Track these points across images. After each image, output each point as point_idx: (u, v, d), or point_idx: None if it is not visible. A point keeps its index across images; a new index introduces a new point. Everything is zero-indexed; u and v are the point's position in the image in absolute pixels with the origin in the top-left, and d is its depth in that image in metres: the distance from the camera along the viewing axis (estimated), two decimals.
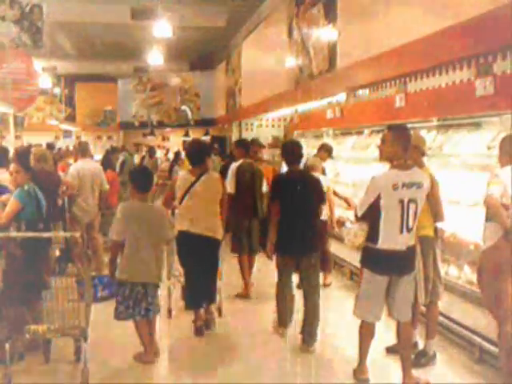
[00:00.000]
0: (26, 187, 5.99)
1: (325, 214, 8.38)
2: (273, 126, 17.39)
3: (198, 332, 6.64)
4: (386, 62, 8.05)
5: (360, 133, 9.96)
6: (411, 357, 5.40)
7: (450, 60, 6.64)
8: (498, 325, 4.94)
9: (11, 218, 5.82)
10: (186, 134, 25.63)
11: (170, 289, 7.25)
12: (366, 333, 5.31)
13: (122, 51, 22.27)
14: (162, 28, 14.94)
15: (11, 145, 12.62)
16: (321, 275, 8.58)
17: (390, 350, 5.94)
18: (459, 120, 6.87)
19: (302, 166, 7.34)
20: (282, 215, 6.37)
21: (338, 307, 8.10)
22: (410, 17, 7.45)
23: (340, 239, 8.98)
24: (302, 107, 12.79)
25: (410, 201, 4.97)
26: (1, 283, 5.34)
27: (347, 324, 6.28)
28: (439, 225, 5.77)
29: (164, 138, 28.65)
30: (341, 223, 8.68)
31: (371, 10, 8.72)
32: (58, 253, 8.71)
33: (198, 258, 6.52)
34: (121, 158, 15.77)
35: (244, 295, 8.28)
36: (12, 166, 6.20)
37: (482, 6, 5.70)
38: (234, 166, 8.52)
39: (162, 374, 6.05)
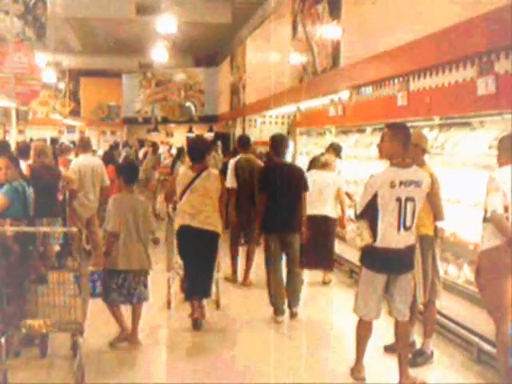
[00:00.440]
0: (14, 184, 5.95)
1: (335, 213, 8.44)
2: (276, 123, 17.33)
3: (196, 326, 6.79)
4: (389, 60, 8.03)
5: (362, 131, 9.94)
6: (408, 356, 5.39)
7: (452, 59, 6.61)
8: (496, 324, 4.92)
9: None
10: (190, 131, 25.62)
11: (169, 281, 7.46)
12: (363, 331, 5.30)
13: (126, 46, 22.29)
14: (167, 24, 14.93)
15: (13, 139, 12.61)
16: (321, 273, 8.73)
17: (388, 349, 5.94)
18: (461, 119, 6.84)
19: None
20: (270, 201, 7.12)
21: (337, 305, 8.09)
22: (414, 15, 7.40)
23: (343, 238, 9.00)
24: (305, 104, 12.76)
25: (407, 199, 4.94)
26: None
27: (345, 322, 6.27)
28: (439, 224, 5.75)
29: (168, 134, 28.63)
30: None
31: (375, 8, 8.69)
32: (57, 248, 8.78)
33: (198, 251, 6.75)
34: (123, 153, 15.83)
35: (231, 280, 8.88)
36: (1, 161, 6.13)
37: (485, 5, 5.67)
38: (232, 161, 9.00)
39: (158, 360, 6.21)
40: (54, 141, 19.81)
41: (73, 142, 15.34)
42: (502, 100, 5.57)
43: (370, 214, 5.05)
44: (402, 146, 5.01)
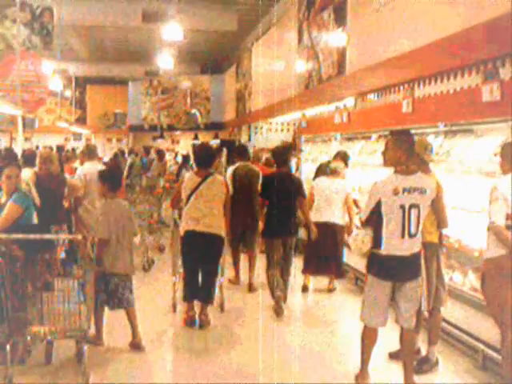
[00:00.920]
0: (23, 191, 6.00)
1: (343, 220, 8.45)
2: (282, 130, 17.35)
3: (188, 322, 7.00)
4: (394, 68, 8.04)
5: (368, 137, 9.93)
6: (413, 363, 5.37)
7: (457, 65, 6.61)
8: (502, 332, 4.91)
9: (10, 224, 5.83)
10: (196, 138, 25.65)
11: (174, 285, 7.55)
12: (368, 338, 5.28)
13: (133, 54, 22.38)
14: (173, 31, 14.99)
15: (20, 147, 12.64)
16: (326, 280, 8.73)
17: (393, 356, 5.91)
18: (466, 126, 6.83)
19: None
20: (270, 208, 7.76)
21: (342, 312, 8.08)
22: (419, 22, 7.41)
23: (348, 245, 8.99)
24: (311, 112, 12.77)
25: (411, 206, 4.94)
26: None
27: (350, 329, 6.26)
28: (444, 231, 5.75)
29: (173, 142, 28.69)
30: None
31: (380, 15, 8.70)
32: (63, 255, 8.79)
33: (202, 255, 6.94)
34: (129, 160, 15.84)
35: (234, 282, 9.04)
36: (11, 170, 6.15)
37: (489, 12, 5.68)
38: (230, 169, 9.30)
39: (162, 363, 6.25)
40: (60, 148, 19.87)
41: (73, 150, 15.41)
42: (507, 106, 5.55)
43: (374, 221, 5.05)
44: (405, 153, 5.01)
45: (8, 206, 5.97)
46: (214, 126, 25.37)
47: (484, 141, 6.58)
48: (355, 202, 8.72)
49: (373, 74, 8.85)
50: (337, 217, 8.45)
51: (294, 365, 6.02)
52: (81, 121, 28.01)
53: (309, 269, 8.72)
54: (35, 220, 6.26)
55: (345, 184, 8.58)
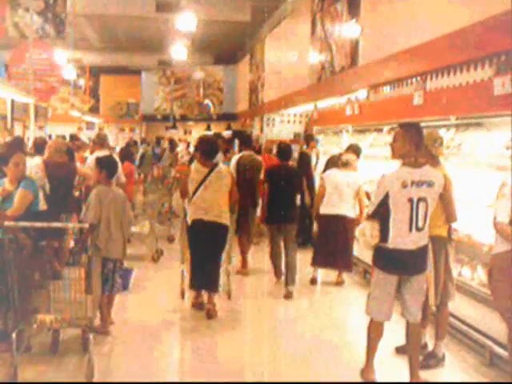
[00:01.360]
0: (31, 178, 6.00)
1: (354, 213, 8.42)
2: (294, 121, 17.28)
3: (197, 307, 7.29)
4: (407, 60, 7.99)
5: (379, 130, 9.87)
6: (419, 358, 5.33)
7: (470, 58, 6.56)
8: (508, 327, 4.86)
9: (23, 210, 5.85)
10: (208, 128, 25.61)
11: (183, 273, 7.66)
12: (374, 332, 5.24)
13: (146, 44, 22.34)
14: (186, 21, 14.97)
15: (32, 135, 12.66)
16: (335, 273, 8.70)
17: (400, 351, 5.85)
18: (478, 119, 6.76)
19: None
20: (271, 197, 8.40)
21: (350, 305, 8.05)
22: (432, 14, 7.36)
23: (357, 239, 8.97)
24: (323, 103, 12.72)
25: (419, 199, 4.89)
26: None
27: (357, 323, 6.23)
28: (453, 225, 5.69)
29: (186, 132, 28.67)
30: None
31: (394, 7, 8.64)
32: (72, 243, 8.82)
33: (209, 243, 7.12)
34: (140, 150, 15.84)
35: (242, 272, 9.22)
36: (18, 157, 6.16)
37: (503, 5, 5.61)
38: (234, 158, 9.61)
39: (168, 346, 6.56)
40: (73, 137, 19.87)
41: (89, 139, 15.41)
42: None
43: (381, 214, 5.01)
44: (413, 145, 4.96)
45: (19, 192, 5.97)
46: (227, 117, 25.34)
47: (495, 134, 6.51)
48: (367, 195, 8.67)
49: (385, 66, 8.80)
50: (347, 209, 8.41)
51: (297, 357, 6.03)
52: (94, 110, 28.03)
53: (318, 261, 8.70)
54: (43, 207, 6.27)
55: (356, 176, 8.53)
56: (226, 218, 7.20)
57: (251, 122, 21.04)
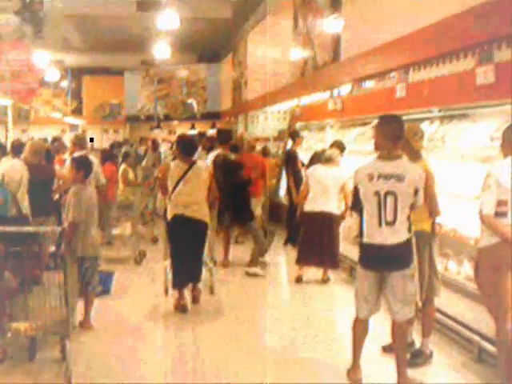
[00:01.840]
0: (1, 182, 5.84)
1: (338, 208, 8.31)
2: (278, 119, 17.14)
3: (180, 309, 7.23)
4: (389, 53, 7.88)
5: (364, 124, 9.77)
6: (406, 357, 5.20)
7: (453, 49, 6.45)
8: (496, 323, 4.74)
9: None
10: (193, 128, 25.43)
11: (166, 269, 7.71)
12: (358, 330, 5.12)
13: (128, 43, 22.07)
14: (168, 19, 14.76)
15: (10, 137, 12.48)
16: (320, 271, 8.58)
17: (387, 349, 5.72)
18: (461, 110, 6.67)
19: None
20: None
21: (334, 304, 7.94)
22: (414, 6, 7.25)
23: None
24: (307, 99, 12.60)
25: (387, 193, 4.76)
26: None
27: (342, 321, 6.11)
28: (438, 219, 5.57)
29: (171, 132, 28.43)
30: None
31: (375, 0, 8.54)
32: (53, 248, 8.63)
33: (188, 239, 7.24)
34: (123, 151, 15.62)
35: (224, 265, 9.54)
36: None
37: None
38: (210, 156, 9.78)
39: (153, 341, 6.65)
40: (55, 140, 19.63)
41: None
42: (502, 89, 5.39)
43: (358, 208, 4.92)
44: (387, 138, 4.85)
45: None
46: (211, 116, 25.18)
47: (480, 126, 6.43)
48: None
49: (367, 60, 8.68)
50: (332, 206, 8.31)
51: (279, 355, 5.90)
52: (77, 112, 27.79)
53: (303, 259, 8.59)
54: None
55: (340, 172, 8.43)
56: (204, 214, 7.37)
57: (235, 120, 20.91)
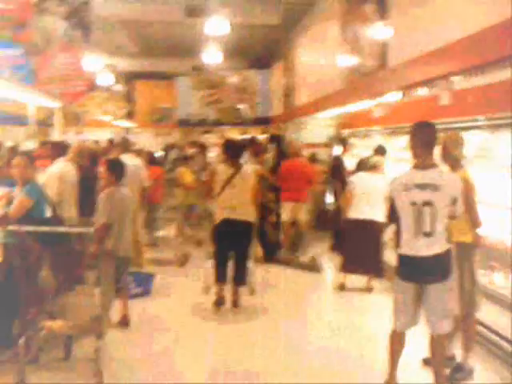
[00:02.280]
0: (36, 184, 5.88)
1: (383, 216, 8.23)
2: (327, 125, 17.02)
3: (218, 302, 7.53)
4: (436, 60, 7.73)
5: None
6: (444, 371, 5.05)
7: (500, 56, 6.27)
8: None
9: (21, 215, 5.69)
10: (244, 133, 25.49)
11: (207, 269, 7.96)
12: (395, 342, 5.01)
13: (180, 49, 22.27)
14: (216, 25, 14.83)
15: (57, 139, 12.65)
16: (365, 279, 8.47)
17: (428, 362, 5.57)
18: (508, 119, 6.47)
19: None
20: None
21: (376, 313, 7.81)
22: (462, 13, 7.11)
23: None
24: (354, 106, 12.48)
25: (425, 203, 4.64)
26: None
27: (384, 330, 5.98)
28: (481, 230, 5.40)
29: (222, 137, 28.55)
30: None
31: (423, 7, 8.40)
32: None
33: (235, 241, 7.50)
34: (172, 154, 15.73)
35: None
36: (19, 160, 6.05)
37: None
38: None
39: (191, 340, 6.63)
40: (110, 141, 19.88)
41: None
42: None
43: (395, 219, 4.80)
44: (420, 146, 4.75)
45: (19, 198, 5.87)
46: (262, 121, 25.24)
47: None
48: None
49: (414, 67, 8.55)
50: (377, 214, 8.17)
51: (317, 363, 5.85)
52: (129, 115, 28.13)
53: (347, 267, 8.50)
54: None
55: (386, 180, 8.30)
56: (250, 216, 7.58)
57: (285, 126, 20.87)
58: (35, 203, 5.81)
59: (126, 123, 27.24)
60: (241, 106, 25.68)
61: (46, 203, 6.00)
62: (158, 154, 18.77)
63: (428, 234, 4.68)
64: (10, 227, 5.01)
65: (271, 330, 6.88)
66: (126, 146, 9.43)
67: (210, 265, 7.87)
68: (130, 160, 9.20)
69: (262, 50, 23.10)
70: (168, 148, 20.05)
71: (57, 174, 7.37)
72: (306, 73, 17.13)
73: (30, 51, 11.78)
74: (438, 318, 4.83)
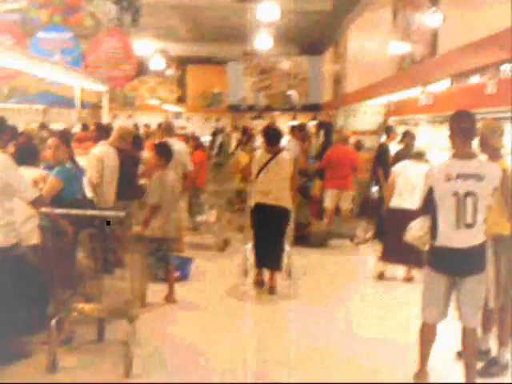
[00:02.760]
0: (67, 165, 5.94)
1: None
2: (377, 112, 16.84)
3: (258, 284, 7.76)
4: (486, 48, 7.56)
5: None
6: (476, 364, 4.95)
7: None
8: None
9: (51, 197, 5.73)
10: (294, 119, 25.42)
11: (246, 252, 8.15)
12: (425, 335, 4.92)
13: (231, 34, 22.27)
14: (267, 11, 14.79)
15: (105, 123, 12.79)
16: (404, 269, 8.38)
17: (461, 356, 5.48)
18: None
19: None
20: None
21: (416, 304, 7.71)
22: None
23: None
24: (403, 94, 12.32)
25: (467, 194, 4.53)
26: None
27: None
28: None
29: (272, 123, 28.53)
30: None
31: None
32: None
33: (270, 225, 7.56)
34: (219, 139, 15.81)
35: None
36: (51, 141, 6.13)
37: None
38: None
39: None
40: (160, 125, 20.01)
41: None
42: None
43: (430, 209, 4.70)
44: (460, 135, 4.62)
45: (49, 180, 5.93)
46: (312, 108, 25.14)
47: None
48: None
49: (464, 55, 8.38)
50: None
51: (348, 354, 5.80)
52: (181, 100, 28.29)
53: (387, 256, 8.41)
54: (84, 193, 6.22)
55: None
56: (286, 201, 7.58)
57: (336, 113, 20.73)
58: (65, 185, 5.85)
59: (177, 108, 27.39)
60: (291, 92, 25.63)
61: (77, 185, 6.03)
62: (206, 138, 18.85)
63: (469, 226, 4.58)
64: (43, 209, 5.06)
65: (307, 316, 6.88)
66: (170, 130, 9.46)
67: (249, 249, 7.99)
68: (173, 144, 9.27)
69: (313, 36, 22.94)
70: (216, 133, 20.16)
71: (97, 157, 7.45)
72: (357, 60, 16.98)
73: (80, 35, 11.98)
74: (473, 310, 4.75)
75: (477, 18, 8.04)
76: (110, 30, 12.47)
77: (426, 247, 4.95)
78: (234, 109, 27.22)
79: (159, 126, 15.50)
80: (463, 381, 4.84)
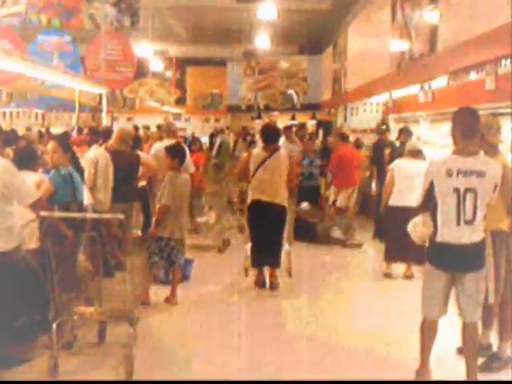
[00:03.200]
0: (61, 171, 5.90)
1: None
2: (377, 110, 16.85)
3: (259, 284, 7.75)
4: (485, 45, 7.57)
5: None
6: (477, 359, 4.95)
7: None
8: None
9: (45, 199, 5.68)
10: (293, 118, 25.44)
11: (246, 252, 8.05)
12: (426, 331, 4.92)
13: (231, 35, 22.29)
14: (267, 10, 14.80)
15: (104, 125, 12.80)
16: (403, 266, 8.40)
17: (462, 351, 5.48)
18: None
19: None
20: None
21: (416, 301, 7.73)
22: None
23: None
24: (402, 91, 12.33)
25: (467, 190, 4.53)
26: None
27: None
28: None
29: (271, 122, 28.52)
30: None
31: None
32: (138, 233, 8.82)
33: (267, 223, 7.59)
34: (218, 140, 15.81)
35: None
36: (50, 145, 6.13)
37: None
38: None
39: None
40: (159, 128, 20.01)
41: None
42: None
43: (430, 205, 4.70)
44: (461, 132, 4.63)
45: (44, 183, 5.92)
46: (311, 107, 25.16)
47: None
48: None
49: (463, 52, 8.39)
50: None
51: (349, 351, 5.81)
52: (181, 101, 28.26)
53: (391, 256, 8.44)
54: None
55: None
56: (282, 199, 7.64)
57: (335, 112, 20.74)
58: (55, 189, 5.82)
59: (177, 109, 27.38)
60: (290, 92, 25.64)
61: (69, 190, 5.97)
62: (205, 139, 18.85)
63: (469, 222, 4.59)
64: (42, 213, 5.05)
65: (310, 312, 6.95)
66: (170, 130, 9.47)
67: (249, 248, 7.95)
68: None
69: (312, 36, 22.98)
70: (215, 134, 20.16)
71: (91, 159, 7.47)
72: (357, 58, 16.98)
73: (79, 38, 12.00)
74: (473, 306, 4.75)
75: (476, 14, 8.04)
76: (109, 33, 12.48)
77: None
78: (233, 109, 27.26)
79: (158, 127, 15.55)
80: (464, 377, 4.84)
